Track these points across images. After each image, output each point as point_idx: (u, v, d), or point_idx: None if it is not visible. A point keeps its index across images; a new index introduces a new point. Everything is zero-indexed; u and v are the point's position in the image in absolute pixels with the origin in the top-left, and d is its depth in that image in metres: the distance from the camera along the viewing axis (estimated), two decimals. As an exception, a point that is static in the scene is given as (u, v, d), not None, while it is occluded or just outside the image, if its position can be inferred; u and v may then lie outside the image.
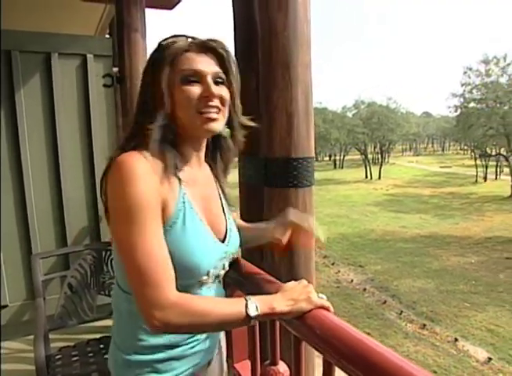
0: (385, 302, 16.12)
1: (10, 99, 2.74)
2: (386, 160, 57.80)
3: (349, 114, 55.39)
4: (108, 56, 3.00)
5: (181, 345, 0.93)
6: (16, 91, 2.73)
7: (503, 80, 26.87)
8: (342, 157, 63.14)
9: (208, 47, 0.89)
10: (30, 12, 3.78)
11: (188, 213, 0.87)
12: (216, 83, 0.89)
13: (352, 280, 18.42)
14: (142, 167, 0.80)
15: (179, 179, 0.88)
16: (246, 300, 0.80)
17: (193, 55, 0.88)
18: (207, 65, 0.88)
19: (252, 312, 0.79)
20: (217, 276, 0.98)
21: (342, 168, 62.90)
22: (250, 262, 1.26)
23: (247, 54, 2.27)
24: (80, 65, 2.92)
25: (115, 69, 3.05)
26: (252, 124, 1.03)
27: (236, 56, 2.24)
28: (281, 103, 1.64)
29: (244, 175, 2.45)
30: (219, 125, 0.90)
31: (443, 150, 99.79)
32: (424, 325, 14.27)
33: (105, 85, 3.00)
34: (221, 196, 1.06)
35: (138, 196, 0.77)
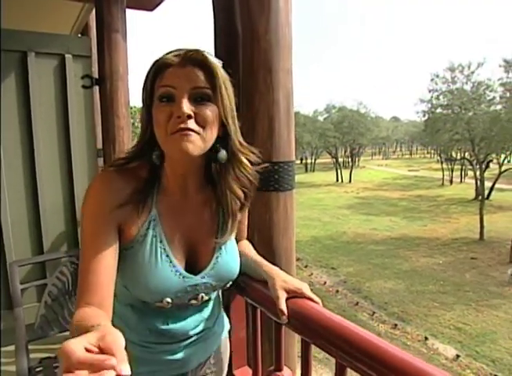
0: (357, 304, 16.39)
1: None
2: (356, 163, 58.96)
3: (320, 118, 56.16)
4: (87, 56, 2.91)
5: (140, 345, 0.93)
6: (-11, 92, 2.61)
7: (468, 87, 27.91)
8: (313, 161, 63.91)
9: (194, 59, 0.79)
10: (5, 8, 3.64)
11: (153, 236, 0.86)
12: (198, 100, 0.80)
13: (325, 283, 18.65)
14: (104, 198, 0.81)
15: (151, 206, 0.86)
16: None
17: (175, 69, 0.79)
18: (187, 80, 0.79)
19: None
20: (190, 304, 0.94)
21: (313, 171, 63.70)
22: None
23: (228, 58, 2.26)
24: (58, 65, 2.82)
25: (94, 69, 2.98)
26: (254, 151, 0.93)
27: (215, 56, 2.24)
28: (262, 107, 1.63)
29: None
30: (195, 147, 0.79)
31: (411, 154, 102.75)
32: (396, 325, 14.62)
33: (84, 86, 2.91)
34: (220, 224, 0.96)
35: (88, 224, 0.81)
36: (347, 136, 50.04)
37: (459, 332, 14.07)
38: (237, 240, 1.08)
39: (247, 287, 1.13)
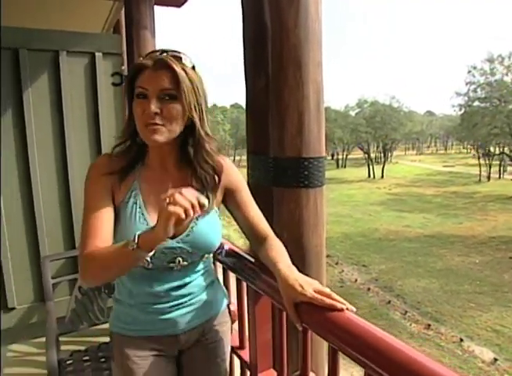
0: (389, 302, 16.04)
1: (18, 98, 2.68)
2: (389, 159, 57.54)
3: (352, 113, 55.24)
4: (117, 54, 2.93)
5: (135, 306, 1.12)
6: (23, 90, 2.66)
7: (508, 78, 26.69)
8: (345, 156, 62.95)
9: (163, 64, 0.97)
10: (37, 9, 3.73)
11: (133, 203, 1.05)
12: (165, 98, 0.98)
13: (356, 280, 18.34)
14: (99, 167, 1.07)
15: (134, 176, 1.08)
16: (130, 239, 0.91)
17: (149, 72, 0.98)
18: (156, 83, 0.97)
19: (132, 241, 0.89)
20: (169, 267, 1.08)
21: (345, 167, 62.72)
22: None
23: (256, 52, 2.22)
24: (88, 63, 2.86)
25: (124, 67, 2.99)
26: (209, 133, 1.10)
27: (244, 54, 2.19)
28: (292, 102, 1.61)
29: (252, 176, 2.39)
30: (160, 137, 1.00)
31: (446, 149, 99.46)
32: (429, 325, 14.18)
33: (114, 84, 2.94)
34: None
35: (88, 187, 1.06)
36: (379, 131, 49.03)
37: (496, 334, 13.49)
38: (261, 237, 1.17)
39: (273, 289, 1.09)
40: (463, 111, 29.93)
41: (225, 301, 1.26)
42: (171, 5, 3.49)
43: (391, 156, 61.34)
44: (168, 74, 0.97)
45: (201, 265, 1.15)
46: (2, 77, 2.61)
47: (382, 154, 54.72)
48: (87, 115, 2.89)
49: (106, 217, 1.02)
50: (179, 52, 1.01)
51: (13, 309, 2.84)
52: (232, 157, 70.56)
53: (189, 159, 1.08)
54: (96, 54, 2.85)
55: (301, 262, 1.61)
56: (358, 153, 59.32)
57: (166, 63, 0.97)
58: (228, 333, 1.25)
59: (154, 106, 0.97)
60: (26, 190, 2.77)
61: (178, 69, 0.97)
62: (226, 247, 1.38)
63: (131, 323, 1.13)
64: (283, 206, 1.72)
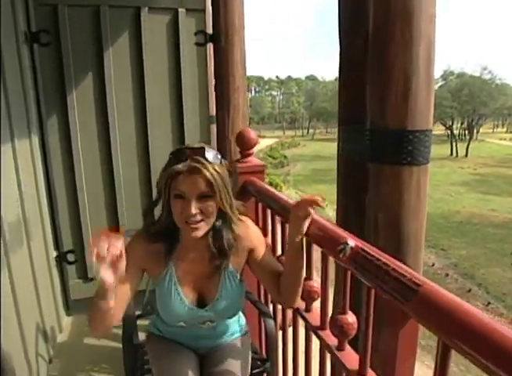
0: (470, 291, 14.95)
1: (98, 59, 2.58)
2: (474, 136, 53.07)
3: (435, 86, 51.30)
4: (201, 10, 2.69)
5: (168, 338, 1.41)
6: (104, 50, 2.54)
7: None
8: (425, 133, 58.94)
9: (196, 170, 1.08)
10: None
11: (169, 280, 1.23)
12: (202, 198, 1.11)
13: (433, 264, 17.31)
14: (135, 243, 1.23)
15: (169, 257, 1.23)
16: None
17: (184, 178, 1.08)
18: (192, 186, 1.09)
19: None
20: (201, 327, 1.32)
21: (424, 144, 58.96)
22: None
23: (355, 4, 1.95)
24: (171, 20, 2.65)
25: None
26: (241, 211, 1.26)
27: (339, 7, 1.89)
28: (398, 62, 1.40)
29: (344, 150, 2.12)
30: (201, 232, 1.14)
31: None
32: (516, 320, 13.03)
33: (197, 44, 2.72)
34: (224, 273, 1.26)
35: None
36: (466, 106, 45.31)
37: None
38: (278, 274, 1.25)
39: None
40: None
41: (245, 329, 1.50)
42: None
43: (477, 133, 56.51)
44: (202, 177, 1.08)
45: (229, 322, 1.40)
46: (83, 35, 2.52)
47: (466, 131, 50.60)
48: (168, 77, 2.72)
49: (124, 290, 1.16)
50: (203, 148, 1.11)
51: (93, 279, 2.87)
52: (306, 130, 69.75)
53: (221, 239, 1.22)
54: (179, 10, 2.63)
55: (396, 247, 1.50)
56: (439, 129, 55.35)
57: (199, 169, 1.08)
58: (248, 343, 1.48)
59: (194, 208, 1.10)
60: (106, 159, 2.72)
61: (210, 173, 1.08)
62: (352, 243, 1.02)
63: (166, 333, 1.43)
64: (380, 185, 1.56)
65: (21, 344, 1.93)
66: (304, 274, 1.21)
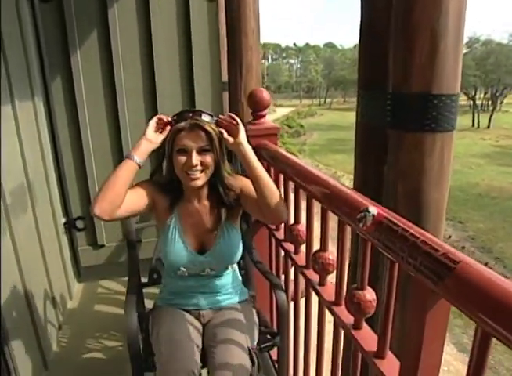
0: (486, 264, 14.70)
1: (103, 16, 2.43)
2: (498, 107, 51.20)
3: (459, 54, 49.23)
4: (213, -39, 2.49)
5: (172, 292, 1.50)
6: (108, 6, 2.39)
7: None
8: (446, 103, 57.20)
9: (198, 126, 1.25)
10: None
11: (173, 226, 1.38)
12: (201, 151, 1.27)
13: (450, 237, 17.04)
14: (148, 181, 1.41)
15: (173, 207, 1.39)
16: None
17: (185, 133, 1.26)
18: (193, 141, 1.26)
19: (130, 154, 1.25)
20: (201, 275, 1.42)
21: (445, 114, 57.34)
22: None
23: None
24: (179, -28, 2.46)
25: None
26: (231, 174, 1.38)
27: None
28: (425, 19, 1.29)
29: (363, 115, 2.00)
30: (200, 182, 1.31)
31: None
32: (532, 294, 12.88)
33: (208, -1, 2.54)
34: (222, 222, 1.39)
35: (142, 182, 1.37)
36: (490, 75, 43.50)
37: None
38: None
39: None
40: None
41: (246, 295, 1.56)
42: None
43: (500, 103, 54.55)
44: (202, 133, 1.25)
45: (227, 272, 1.48)
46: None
47: (490, 101, 48.85)
48: (177, 34, 2.57)
49: (135, 194, 1.31)
50: (201, 111, 1.28)
51: (103, 246, 2.84)
52: (323, 100, 68.41)
53: (217, 191, 1.37)
54: (189, -40, 2.44)
55: (416, 217, 1.43)
56: (462, 99, 53.39)
57: (200, 125, 1.25)
58: (251, 312, 1.50)
59: (195, 159, 1.26)
60: (113, 122, 2.62)
61: (209, 129, 1.25)
62: (374, 211, 0.88)
63: (170, 298, 1.50)
64: (400, 152, 1.47)
65: (27, 309, 1.91)
66: (267, 178, 1.25)
